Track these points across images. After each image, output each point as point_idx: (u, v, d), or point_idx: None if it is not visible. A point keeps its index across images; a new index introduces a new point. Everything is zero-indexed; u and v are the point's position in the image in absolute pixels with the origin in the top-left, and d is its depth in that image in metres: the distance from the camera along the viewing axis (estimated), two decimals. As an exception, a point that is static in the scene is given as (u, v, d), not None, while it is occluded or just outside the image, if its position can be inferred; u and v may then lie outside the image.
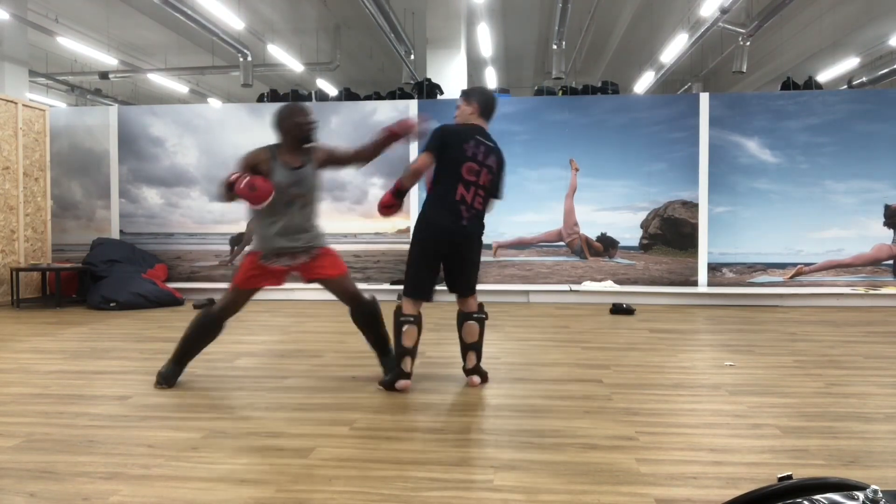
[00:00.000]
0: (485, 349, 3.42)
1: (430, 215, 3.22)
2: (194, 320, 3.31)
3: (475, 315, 3.34)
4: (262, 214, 3.15)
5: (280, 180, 3.11)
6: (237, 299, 3.27)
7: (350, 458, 2.21)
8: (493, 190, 3.32)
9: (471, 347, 3.32)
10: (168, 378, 3.24)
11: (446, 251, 3.23)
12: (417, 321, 3.22)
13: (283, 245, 3.16)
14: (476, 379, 3.29)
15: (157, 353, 4.16)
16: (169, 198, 7.94)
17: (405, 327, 3.18)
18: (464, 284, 3.35)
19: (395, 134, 3.24)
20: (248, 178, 2.98)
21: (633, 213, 7.35)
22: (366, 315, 3.35)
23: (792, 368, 3.65)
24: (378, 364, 3.44)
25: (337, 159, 3.35)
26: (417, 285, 3.26)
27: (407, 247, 3.36)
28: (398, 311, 3.22)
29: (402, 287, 3.41)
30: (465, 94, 3.41)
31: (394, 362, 3.23)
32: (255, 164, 3.18)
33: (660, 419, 2.67)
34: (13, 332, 5.05)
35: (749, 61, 11.29)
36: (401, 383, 3.14)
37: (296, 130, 3.20)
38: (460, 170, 3.17)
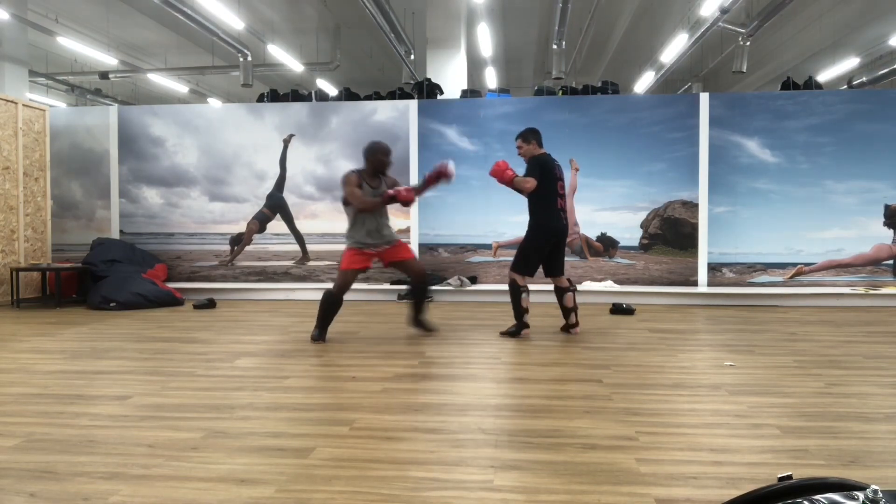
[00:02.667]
0: (484, 349, 4.11)
1: (546, 223, 4.64)
2: (323, 300, 4.54)
3: (571, 287, 4.79)
4: (354, 221, 4.56)
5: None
6: (346, 279, 4.53)
7: (350, 458, 2.21)
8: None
9: (572, 310, 4.77)
10: (318, 338, 4.54)
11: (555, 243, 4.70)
12: (528, 291, 4.71)
13: (369, 241, 4.56)
14: (577, 329, 4.81)
15: (157, 353, 4.16)
16: (169, 198, 7.94)
17: (523, 295, 4.65)
18: (561, 267, 4.82)
19: (437, 177, 4.44)
20: (404, 189, 4.37)
21: (633, 213, 7.35)
22: (422, 289, 4.75)
23: (792, 368, 3.65)
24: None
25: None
26: (532, 267, 4.70)
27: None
28: (514, 284, 4.64)
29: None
30: (522, 136, 4.78)
31: (424, 323, 4.82)
32: (357, 184, 4.48)
33: (660, 419, 2.67)
34: (13, 332, 5.05)
35: (749, 61, 11.29)
36: (525, 332, 4.68)
37: (378, 163, 4.56)
38: (556, 186, 4.65)
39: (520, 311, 4.64)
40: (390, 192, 4.41)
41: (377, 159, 4.54)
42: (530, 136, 4.76)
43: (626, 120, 7.32)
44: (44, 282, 7.29)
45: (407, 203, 4.46)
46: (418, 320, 4.83)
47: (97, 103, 15.45)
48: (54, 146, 7.82)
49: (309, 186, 7.80)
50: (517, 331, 4.65)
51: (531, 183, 4.51)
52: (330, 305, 4.53)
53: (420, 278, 4.69)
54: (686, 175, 7.27)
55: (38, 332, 5.08)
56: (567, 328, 4.83)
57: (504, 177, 4.59)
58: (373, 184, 4.54)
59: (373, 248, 4.57)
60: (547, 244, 4.64)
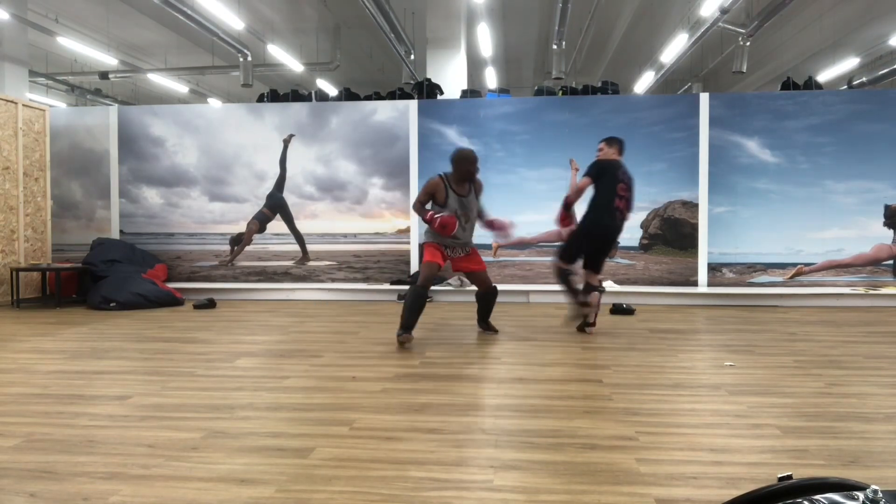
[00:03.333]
0: (484, 349, 4.12)
1: (598, 217, 4.82)
2: (410, 295, 4.41)
3: (600, 288, 4.96)
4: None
5: (453, 205, 4.57)
6: (431, 270, 4.48)
7: (350, 458, 2.21)
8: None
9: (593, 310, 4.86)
10: (404, 335, 4.34)
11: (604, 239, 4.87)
12: (574, 273, 4.91)
13: (448, 242, 4.64)
14: (593, 329, 4.92)
15: (158, 353, 4.16)
16: (169, 198, 7.94)
17: (571, 276, 4.85)
18: (601, 266, 5.01)
19: (498, 228, 4.78)
20: (439, 219, 4.38)
21: (633, 213, 7.32)
22: (489, 297, 4.88)
23: (792, 368, 3.65)
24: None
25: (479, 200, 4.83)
26: (574, 255, 4.92)
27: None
28: (559, 269, 4.86)
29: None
30: (608, 140, 4.99)
31: (489, 325, 4.99)
32: (434, 192, 4.56)
33: (660, 419, 2.67)
34: (13, 332, 5.05)
35: (749, 61, 11.30)
36: (587, 307, 4.79)
37: (464, 173, 4.56)
38: (616, 188, 4.80)
39: (574, 291, 4.81)
40: (435, 217, 4.47)
41: (463, 169, 4.55)
42: (615, 142, 5.00)
43: (626, 120, 7.32)
44: (44, 282, 7.29)
45: (505, 233, 4.82)
46: (485, 323, 5.01)
47: (97, 103, 15.45)
48: (54, 146, 7.82)
49: (309, 186, 7.80)
50: (580, 306, 4.79)
51: (583, 183, 4.83)
52: (417, 298, 4.40)
53: (486, 289, 4.83)
54: (686, 175, 7.27)
55: (38, 332, 5.08)
56: (583, 326, 4.92)
57: (566, 221, 5.08)
58: (460, 191, 4.59)
59: (448, 250, 4.67)
60: (594, 238, 4.84)
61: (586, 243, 4.86)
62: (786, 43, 13.93)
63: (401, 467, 2.13)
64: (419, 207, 4.57)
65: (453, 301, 7.10)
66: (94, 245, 7.46)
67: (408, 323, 4.37)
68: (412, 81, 10.66)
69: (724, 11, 8.91)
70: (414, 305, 4.38)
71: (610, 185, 4.81)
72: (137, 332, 5.06)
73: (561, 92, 7.92)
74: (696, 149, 7.23)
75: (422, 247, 4.81)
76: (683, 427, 2.56)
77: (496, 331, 4.98)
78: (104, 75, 13.54)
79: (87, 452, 2.28)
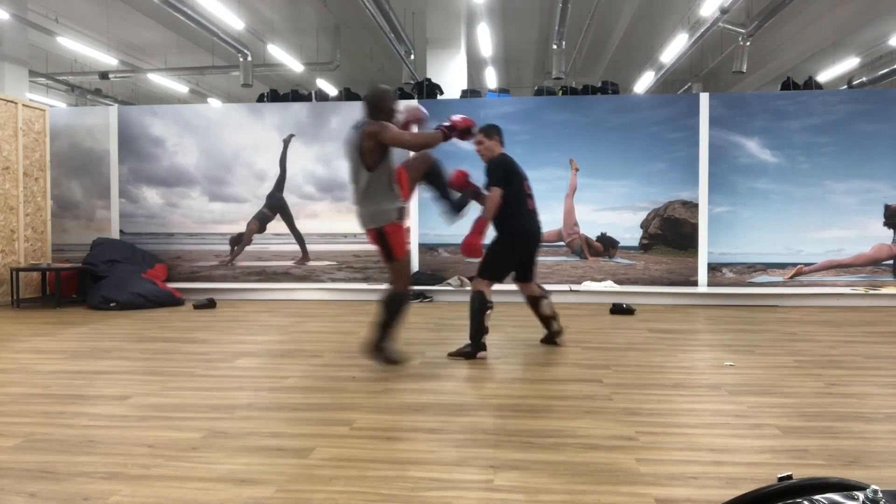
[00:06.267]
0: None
1: (518, 224, 4.12)
2: (399, 302, 3.64)
3: (545, 294, 4.30)
4: (392, 190, 3.58)
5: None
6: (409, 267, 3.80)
7: (350, 458, 2.21)
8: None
9: (552, 318, 4.32)
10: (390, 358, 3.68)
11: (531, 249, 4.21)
12: (492, 307, 4.04)
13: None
14: (563, 337, 4.39)
15: (158, 353, 4.16)
16: (169, 198, 7.94)
17: (488, 312, 3.97)
18: (533, 274, 4.33)
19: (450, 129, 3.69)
20: (459, 120, 3.61)
21: (633, 213, 7.35)
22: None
23: (792, 368, 3.65)
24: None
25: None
26: (502, 273, 4.15)
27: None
28: (482, 297, 3.96)
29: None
30: (485, 130, 4.17)
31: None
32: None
33: (660, 419, 2.67)
34: (13, 332, 5.05)
35: (749, 61, 11.29)
36: (482, 355, 3.94)
37: (390, 113, 3.64)
38: (523, 186, 4.16)
39: (481, 329, 3.92)
40: (446, 124, 3.59)
41: (388, 108, 3.63)
42: (493, 131, 4.20)
43: (626, 120, 7.32)
44: (44, 282, 7.28)
45: (465, 134, 3.71)
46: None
47: (97, 103, 15.44)
48: (54, 146, 7.82)
49: (309, 186, 7.79)
50: (473, 352, 3.92)
51: (496, 193, 3.98)
52: (405, 305, 3.73)
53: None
54: (686, 175, 7.27)
55: (38, 332, 5.08)
56: (551, 338, 4.36)
57: (479, 228, 4.02)
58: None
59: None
60: (522, 248, 4.14)
61: (515, 257, 4.13)
62: (786, 43, 13.92)
63: (400, 467, 2.13)
64: (416, 135, 3.64)
65: (453, 301, 7.10)
66: (94, 245, 7.46)
67: (386, 335, 3.68)
68: (412, 81, 10.65)
69: (724, 11, 8.91)
70: (399, 318, 3.67)
71: (518, 185, 4.12)
72: (137, 332, 5.06)
73: (561, 92, 7.92)
74: (696, 149, 7.22)
75: (384, 235, 3.58)
76: (683, 427, 2.56)
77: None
78: (104, 75, 13.53)
79: (87, 452, 2.28)
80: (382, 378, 3.42)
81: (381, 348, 3.65)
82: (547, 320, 4.32)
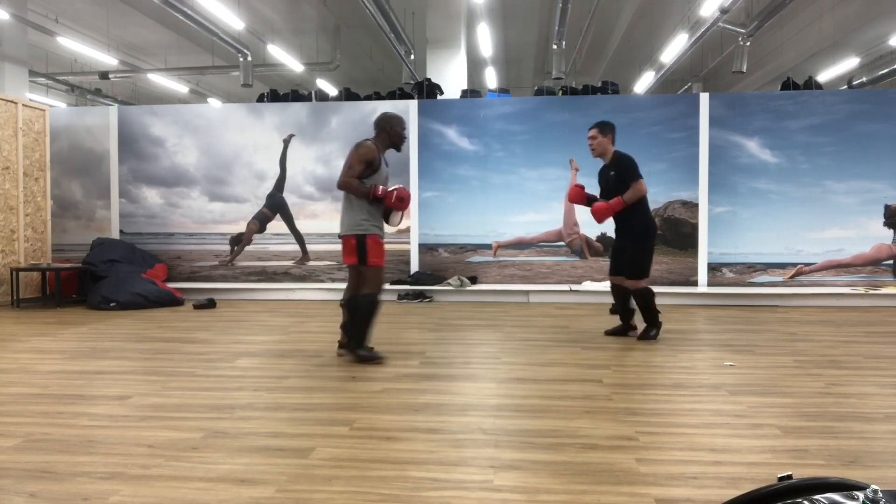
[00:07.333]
0: (484, 349, 4.06)
1: (651, 219, 4.65)
2: (370, 305, 3.83)
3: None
4: (371, 205, 3.85)
5: (381, 176, 3.91)
6: (383, 275, 3.97)
7: (350, 458, 2.21)
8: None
9: (635, 312, 4.69)
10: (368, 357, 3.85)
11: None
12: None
13: (381, 225, 3.97)
14: (636, 332, 4.74)
15: (158, 353, 4.16)
16: (169, 198, 7.94)
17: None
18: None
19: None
20: (396, 192, 3.79)
21: (633, 213, 7.34)
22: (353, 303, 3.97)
23: (792, 368, 3.65)
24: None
25: None
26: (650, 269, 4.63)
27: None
28: (648, 290, 4.50)
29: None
30: (600, 127, 4.55)
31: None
32: (371, 161, 3.83)
33: (660, 419, 2.67)
34: (13, 332, 5.05)
35: (749, 61, 11.30)
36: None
37: (396, 137, 3.97)
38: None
39: (656, 312, 4.58)
40: (380, 191, 3.80)
41: (396, 133, 3.95)
42: (609, 129, 4.58)
43: (626, 120, 7.32)
44: (44, 282, 7.28)
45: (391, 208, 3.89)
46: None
47: (97, 103, 15.45)
48: (54, 146, 7.82)
49: (309, 186, 7.79)
50: (658, 332, 4.60)
51: (643, 184, 4.52)
52: (376, 308, 3.89)
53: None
54: (686, 175, 7.27)
55: (38, 332, 5.08)
56: (626, 330, 4.79)
57: (611, 204, 4.52)
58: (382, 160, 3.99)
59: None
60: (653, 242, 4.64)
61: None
62: (786, 43, 13.92)
63: (400, 467, 2.13)
64: (356, 183, 3.78)
65: (454, 301, 7.10)
66: (94, 245, 7.46)
67: (367, 337, 3.89)
68: (412, 81, 10.66)
69: (724, 11, 8.91)
70: (373, 318, 3.88)
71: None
72: (137, 332, 5.06)
73: (561, 92, 7.92)
74: (696, 149, 7.23)
75: (362, 242, 3.81)
76: (683, 427, 2.56)
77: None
78: (104, 75, 13.53)
79: (87, 452, 2.28)
80: (382, 378, 3.42)
81: (356, 348, 3.87)
82: (631, 313, 4.76)
